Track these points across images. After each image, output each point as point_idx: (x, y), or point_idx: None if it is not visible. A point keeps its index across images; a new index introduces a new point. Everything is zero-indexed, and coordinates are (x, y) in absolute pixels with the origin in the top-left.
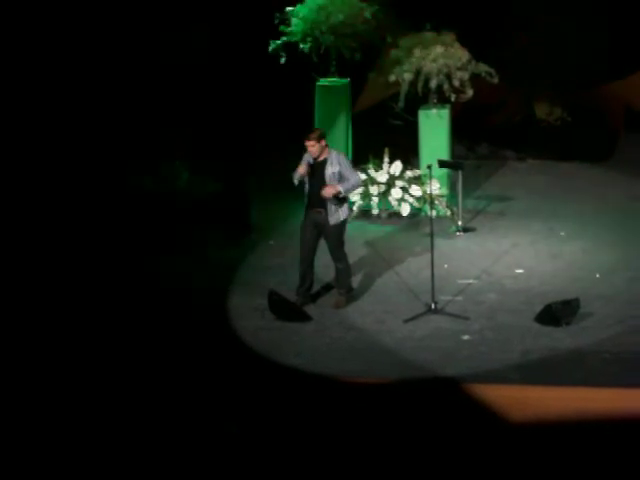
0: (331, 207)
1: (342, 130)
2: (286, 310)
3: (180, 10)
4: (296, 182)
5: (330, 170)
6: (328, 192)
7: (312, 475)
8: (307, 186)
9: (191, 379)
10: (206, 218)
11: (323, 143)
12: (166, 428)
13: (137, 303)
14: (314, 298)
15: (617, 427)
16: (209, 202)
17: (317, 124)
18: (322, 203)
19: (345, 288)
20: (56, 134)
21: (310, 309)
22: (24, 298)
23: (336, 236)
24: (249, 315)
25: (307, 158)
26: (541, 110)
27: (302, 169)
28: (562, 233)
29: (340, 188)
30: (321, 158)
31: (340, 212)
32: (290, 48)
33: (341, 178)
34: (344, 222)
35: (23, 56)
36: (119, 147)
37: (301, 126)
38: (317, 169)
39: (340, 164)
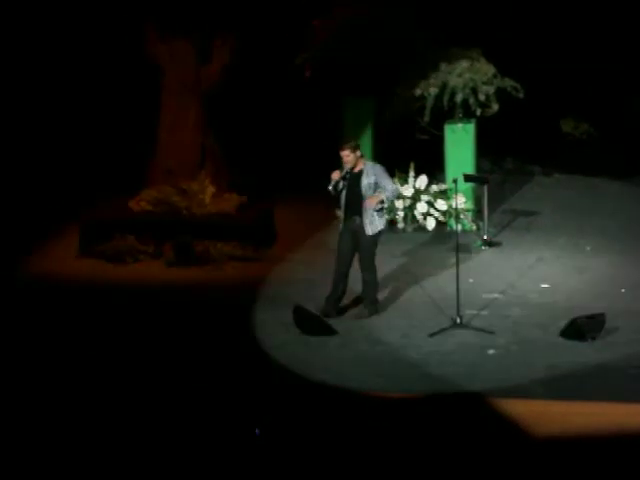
0: (369, 217)
1: (368, 143)
2: (312, 324)
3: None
4: (332, 190)
5: (366, 181)
6: (371, 203)
7: None
8: (343, 197)
9: (217, 393)
10: (230, 232)
11: (358, 154)
12: (189, 439)
13: (163, 316)
14: (342, 311)
15: None
16: (234, 216)
17: (344, 138)
18: (359, 212)
19: (370, 300)
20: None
21: (336, 323)
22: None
23: (370, 246)
24: (275, 330)
25: (344, 171)
26: (567, 124)
27: (336, 174)
28: (588, 248)
29: (382, 196)
30: (357, 169)
31: (378, 222)
32: (317, 62)
33: (377, 188)
34: (380, 233)
35: (21, 59)
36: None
37: (328, 139)
38: (353, 180)
39: (376, 174)
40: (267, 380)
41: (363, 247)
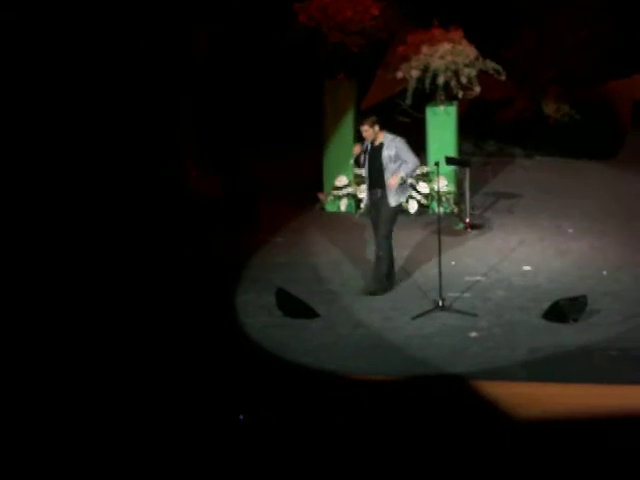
0: (392, 189)
1: (349, 127)
2: (294, 307)
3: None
4: (356, 164)
5: (386, 153)
6: (393, 183)
7: (319, 471)
8: (366, 170)
9: (198, 375)
10: (213, 216)
11: (377, 128)
12: (171, 423)
13: (145, 300)
14: (327, 295)
15: (625, 425)
16: (216, 200)
17: (325, 121)
18: (381, 184)
19: (380, 276)
20: (57, 134)
21: (318, 306)
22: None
23: (388, 219)
24: (257, 312)
25: (365, 145)
26: (549, 107)
27: (357, 148)
28: (570, 230)
29: (402, 174)
30: (377, 143)
31: (400, 195)
32: (297, 46)
33: (397, 160)
34: (400, 206)
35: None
36: (125, 147)
37: (308, 123)
38: (374, 153)
39: (397, 147)
40: (248, 363)
41: (382, 219)
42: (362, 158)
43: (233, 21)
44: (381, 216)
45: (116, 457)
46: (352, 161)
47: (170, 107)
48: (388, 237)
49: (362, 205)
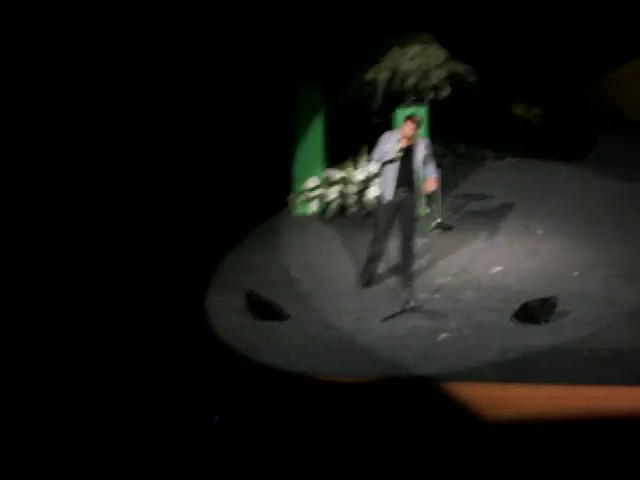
0: (415, 187)
1: (319, 129)
2: (264, 309)
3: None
4: (384, 159)
5: (420, 154)
6: (432, 186)
7: (289, 472)
8: (395, 170)
9: (168, 377)
10: (185, 218)
11: (419, 130)
12: (143, 424)
13: (113, 302)
14: (297, 297)
15: (596, 425)
16: (188, 202)
17: (294, 123)
18: (409, 184)
19: (412, 268)
20: (32, 132)
21: (288, 308)
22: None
23: (416, 216)
24: (227, 314)
25: (389, 139)
26: (519, 108)
27: (404, 143)
28: (539, 231)
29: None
30: (411, 142)
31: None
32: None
33: (426, 162)
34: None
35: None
36: (102, 146)
37: (279, 125)
38: (407, 152)
39: (427, 148)
40: (219, 365)
41: (410, 217)
42: (399, 155)
43: (205, 22)
44: (407, 217)
45: (87, 458)
46: (386, 157)
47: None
48: (414, 235)
49: (332, 207)
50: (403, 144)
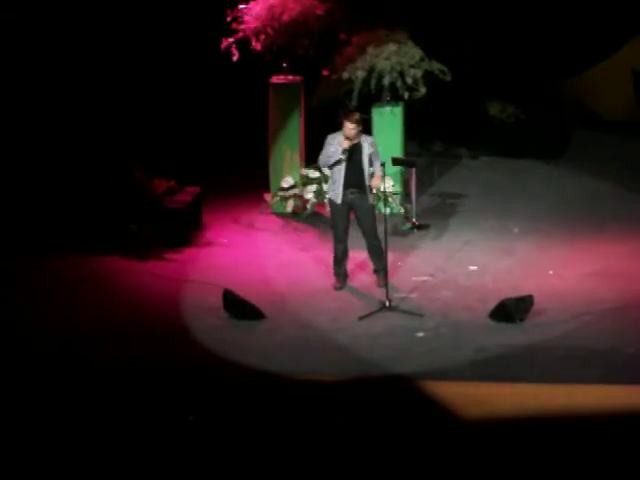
0: (368, 188)
1: (295, 128)
2: (240, 308)
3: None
4: (328, 163)
5: (367, 152)
6: (378, 184)
7: (266, 471)
8: (342, 170)
9: (146, 378)
10: (158, 216)
11: (360, 128)
12: (120, 424)
13: (88, 302)
14: (274, 296)
15: (571, 424)
16: (161, 200)
17: (270, 122)
18: (359, 184)
19: (384, 266)
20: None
21: (265, 307)
22: None
23: (374, 216)
24: (203, 314)
25: (332, 142)
26: (494, 107)
27: (346, 143)
28: (515, 230)
29: (381, 173)
30: (355, 140)
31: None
32: (242, 46)
33: (374, 160)
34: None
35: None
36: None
37: (254, 124)
38: (353, 151)
39: (372, 146)
40: (196, 365)
41: (367, 217)
42: (344, 156)
43: (179, 20)
44: (364, 215)
45: (64, 458)
46: (332, 159)
47: (113, 107)
48: (377, 232)
49: (308, 206)
50: (346, 145)
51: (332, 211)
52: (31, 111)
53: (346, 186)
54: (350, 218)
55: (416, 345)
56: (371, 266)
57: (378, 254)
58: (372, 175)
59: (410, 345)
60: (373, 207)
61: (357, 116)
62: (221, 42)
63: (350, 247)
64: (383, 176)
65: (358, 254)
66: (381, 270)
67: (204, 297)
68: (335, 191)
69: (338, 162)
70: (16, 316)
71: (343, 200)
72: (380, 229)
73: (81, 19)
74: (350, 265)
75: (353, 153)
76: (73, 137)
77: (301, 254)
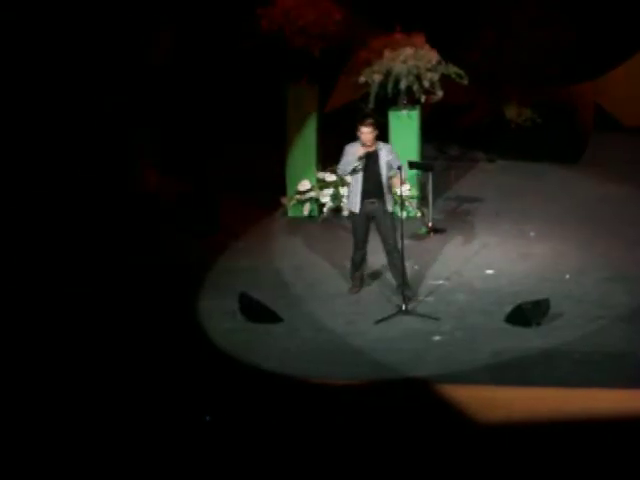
0: (387, 196)
1: (312, 132)
2: (257, 312)
3: (147, 10)
4: (348, 172)
5: (385, 160)
6: (398, 184)
7: (281, 475)
8: (360, 179)
9: (162, 381)
10: (175, 219)
11: (376, 132)
12: (137, 425)
13: (104, 305)
14: (290, 300)
15: (587, 428)
16: (178, 203)
17: (288, 125)
18: (377, 193)
19: (405, 282)
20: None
21: (281, 310)
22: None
23: (394, 226)
24: (220, 317)
25: (350, 150)
26: (510, 111)
27: (362, 150)
28: (532, 234)
29: (404, 177)
30: (373, 148)
31: (391, 201)
32: (261, 50)
33: (392, 167)
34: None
35: None
36: (85, 148)
37: (271, 128)
38: (370, 160)
39: (390, 153)
40: (212, 368)
41: (388, 227)
42: (361, 163)
43: (197, 23)
44: (384, 225)
45: (78, 458)
46: (348, 168)
47: (129, 108)
48: (397, 244)
49: (325, 210)
50: (361, 152)
51: (351, 220)
52: (39, 112)
53: (364, 196)
54: (370, 226)
55: (432, 349)
56: (387, 270)
57: (397, 265)
58: (391, 177)
59: (426, 349)
60: (392, 216)
61: (371, 120)
62: (240, 45)
63: (369, 253)
64: (402, 179)
65: (376, 259)
66: (399, 280)
67: (221, 300)
68: (353, 201)
69: (355, 170)
70: None
71: (362, 210)
72: (397, 233)
73: (88, 18)
74: (367, 269)
75: (370, 162)
76: (82, 139)
77: (317, 257)
